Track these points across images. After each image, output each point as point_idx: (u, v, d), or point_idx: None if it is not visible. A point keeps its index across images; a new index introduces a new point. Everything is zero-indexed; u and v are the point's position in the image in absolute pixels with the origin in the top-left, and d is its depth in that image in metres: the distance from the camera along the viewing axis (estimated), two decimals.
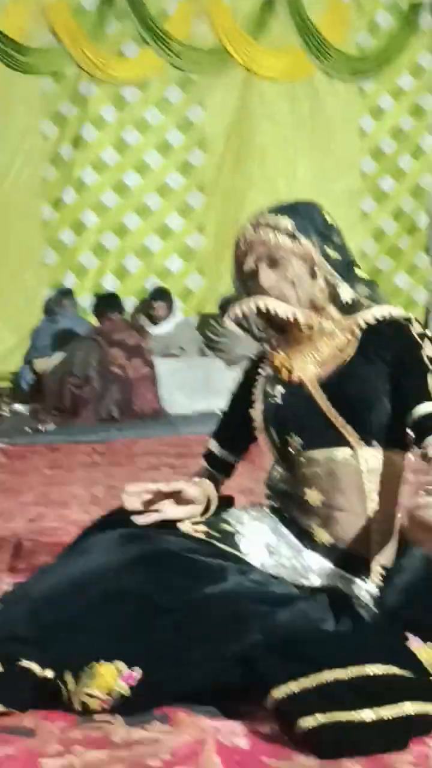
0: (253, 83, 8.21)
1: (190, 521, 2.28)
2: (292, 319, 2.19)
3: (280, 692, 1.78)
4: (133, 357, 6.50)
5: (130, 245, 7.98)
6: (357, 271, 2.28)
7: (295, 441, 2.26)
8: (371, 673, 1.81)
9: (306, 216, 2.24)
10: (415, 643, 1.92)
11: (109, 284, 7.88)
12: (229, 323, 2.27)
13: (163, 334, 7.48)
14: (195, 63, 8.01)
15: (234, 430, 2.44)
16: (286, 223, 2.20)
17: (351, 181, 8.22)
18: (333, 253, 2.22)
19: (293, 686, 1.79)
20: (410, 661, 1.87)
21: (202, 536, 2.22)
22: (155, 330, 7.48)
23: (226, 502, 2.47)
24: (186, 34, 7.96)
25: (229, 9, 8.06)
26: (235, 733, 1.77)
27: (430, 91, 8.62)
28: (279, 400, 2.27)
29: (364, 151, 8.53)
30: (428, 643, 1.91)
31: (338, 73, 8.34)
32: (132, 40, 7.86)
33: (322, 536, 2.25)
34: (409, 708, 1.76)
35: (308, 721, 1.71)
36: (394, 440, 2.26)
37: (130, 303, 7.90)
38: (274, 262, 2.19)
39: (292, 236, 2.19)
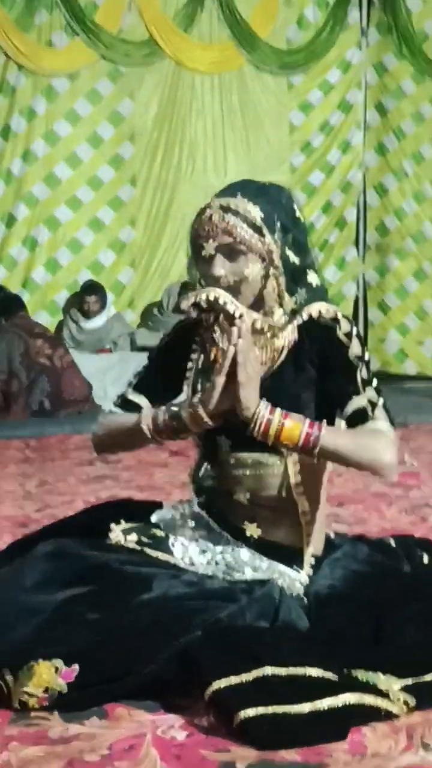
0: (183, 76, 8.17)
1: (120, 529, 2.27)
2: (237, 317, 2.15)
3: (219, 684, 1.80)
4: (57, 346, 6.48)
5: (61, 238, 7.91)
6: (310, 275, 2.24)
7: (224, 442, 2.26)
8: (308, 674, 1.83)
9: (276, 204, 2.19)
10: None
11: (40, 277, 7.81)
12: (185, 306, 2.23)
13: (96, 328, 7.44)
14: (125, 55, 7.95)
15: (157, 389, 2.35)
16: (256, 214, 2.14)
17: (281, 175, 8.23)
18: (292, 257, 2.19)
19: (233, 679, 1.81)
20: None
21: (133, 545, 2.22)
22: (88, 324, 7.44)
23: (155, 506, 2.47)
24: (116, 26, 7.88)
25: (158, 1, 8.03)
26: (173, 726, 1.79)
27: (358, 86, 8.69)
28: None
29: (294, 145, 8.56)
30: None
31: (267, 66, 8.36)
32: (62, 30, 7.78)
33: (252, 530, 2.26)
34: (347, 698, 1.79)
35: (247, 713, 1.73)
36: None
37: (62, 297, 7.84)
38: (232, 255, 2.14)
39: (259, 230, 2.14)
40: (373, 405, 2.16)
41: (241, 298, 2.17)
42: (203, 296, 2.15)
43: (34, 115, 7.80)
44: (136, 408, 2.31)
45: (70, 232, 7.92)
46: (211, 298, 2.14)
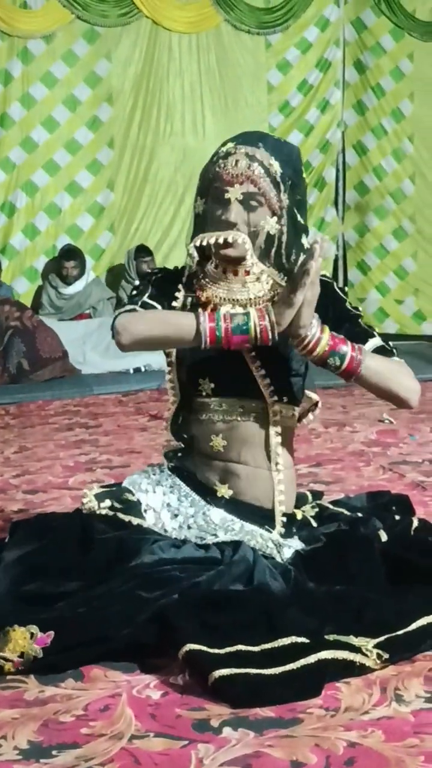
0: (160, 35, 8.07)
1: (93, 494, 2.28)
2: (248, 264, 2.20)
3: (192, 646, 1.81)
4: (24, 309, 6.53)
5: (39, 203, 7.84)
6: (303, 239, 2.28)
7: (208, 385, 2.27)
8: (281, 644, 1.84)
9: (289, 162, 2.22)
10: None
11: (18, 243, 7.74)
12: (192, 248, 2.23)
13: (75, 293, 7.40)
14: (101, 15, 7.84)
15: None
16: (276, 169, 2.18)
17: None
18: (298, 216, 2.23)
19: (206, 650, 1.81)
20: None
21: (106, 511, 2.24)
22: (67, 289, 7.40)
23: None
24: None
25: None
26: (148, 686, 1.81)
27: (336, 43, 8.61)
28: None
29: (272, 105, 8.49)
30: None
31: (245, 25, 8.27)
32: None
33: (223, 491, 2.28)
34: (321, 655, 1.80)
35: (221, 672, 1.74)
36: (297, 396, 2.31)
37: (40, 262, 7.79)
38: (250, 205, 2.17)
39: (277, 185, 2.17)
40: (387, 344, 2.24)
41: (248, 247, 2.19)
42: (229, 237, 2.16)
43: (10, 79, 7.71)
44: None
45: (48, 196, 7.86)
46: (239, 240, 2.16)
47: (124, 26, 7.97)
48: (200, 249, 2.27)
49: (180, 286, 2.31)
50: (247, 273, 2.26)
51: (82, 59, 7.91)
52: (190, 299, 2.29)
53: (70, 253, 7.45)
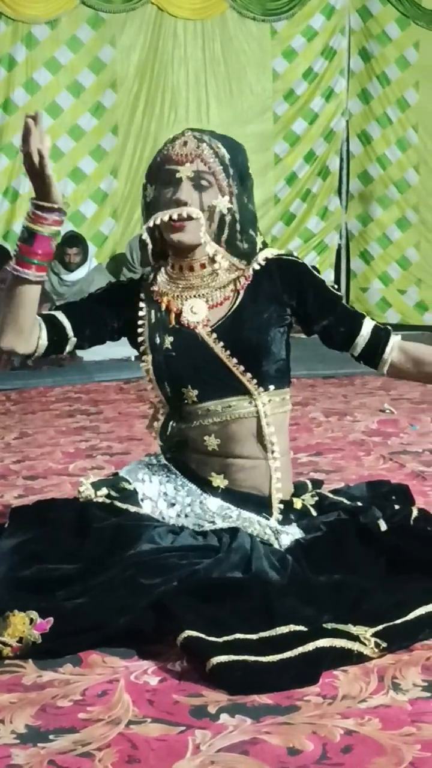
0: (165, 22, 8.05)
1: (90, 482, 2.28)
2: (201, 241, 2.18)
3: (191, 633, 1.81)
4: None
5: None
6: (254, 230, 2.28)
7: (191, 393, 2.26)
8: (279, 633, 1.85)
9: (235, 154, 2.23)
10: None
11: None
12: (145, 231, 2.23)
13: (77, 280, 7.40)
14: (106, 1, 7.83)
15: (89, 317, 2.35)
16: (224, 152, 2.20)
17: (264, 123, 8.19)
18: (249, 205, 2.23)
19: (204, 635, 1.82)
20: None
21: (103, 499, 2.24)
22: (69, 276, 7.39)
23: None
24: None
25: None
26: (146, 672, 1.81)
27: (342, 31, 8.58)
28: (171, 351, 2.26)
29: (277, 92, 8.47)
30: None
31: (250, 13, 8.24)
32: None
33: (219, 482, 2.28)
34: (319, 643, 1.80)
35: (219, 658, 1.75)
36: (284, 380, 2.31)
37: None
38: (200, 185, 2.17)
39: (226, 168, 2.18)
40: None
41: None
42: (184, 212, 2.15)
43: (14, 64, 7.70)
44: (58, 325, 2.35)
45: None
46: (194, 215, 2.15)
47: (128, 12, 7.94)
48: (156, 248, 2.26)
49: (141, 302, 2.30)
50: (203, 266, 2.25)
51: (87, 45, 7.89)
52: (153, 308, 2.28)
53: (73, 239, 7.43)
